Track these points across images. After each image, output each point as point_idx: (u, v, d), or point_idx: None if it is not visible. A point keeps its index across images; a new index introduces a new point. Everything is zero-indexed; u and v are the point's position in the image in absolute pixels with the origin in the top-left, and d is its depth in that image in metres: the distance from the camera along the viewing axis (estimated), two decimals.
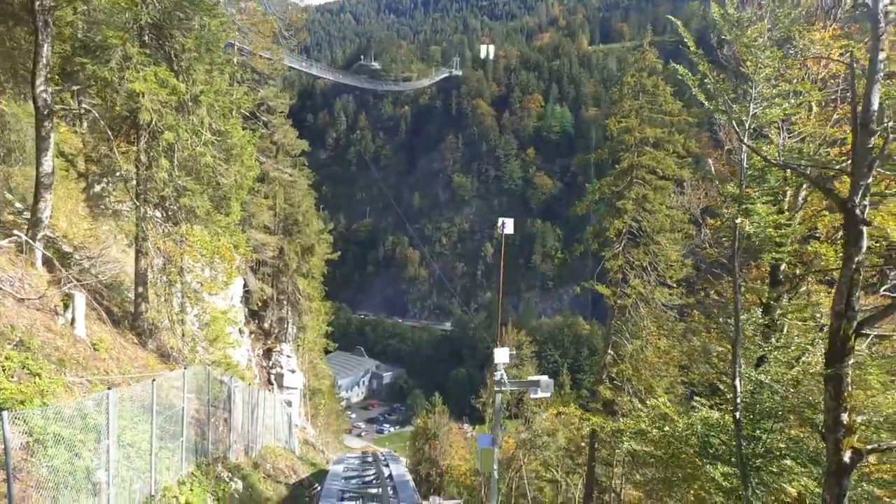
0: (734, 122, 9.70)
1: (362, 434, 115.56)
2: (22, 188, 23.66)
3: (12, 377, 9.54)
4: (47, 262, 17.33)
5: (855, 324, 8.33)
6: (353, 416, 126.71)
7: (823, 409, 8.64)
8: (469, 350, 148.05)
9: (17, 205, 22.37)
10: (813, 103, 11.81)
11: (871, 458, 9.20)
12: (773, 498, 9.91)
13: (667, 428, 12.10)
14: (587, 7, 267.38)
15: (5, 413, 6.42)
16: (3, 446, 6.55)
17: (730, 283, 14.47)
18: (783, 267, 12.94)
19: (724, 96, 10.19)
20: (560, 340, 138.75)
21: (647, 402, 15.31)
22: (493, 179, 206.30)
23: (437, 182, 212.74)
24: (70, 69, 18.51)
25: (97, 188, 25.91)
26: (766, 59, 10.32)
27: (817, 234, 12.19)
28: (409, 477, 21.37)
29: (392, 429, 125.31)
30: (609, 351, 24.32)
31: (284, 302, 43.64)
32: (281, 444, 25.34)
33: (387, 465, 23.34)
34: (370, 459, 26.74)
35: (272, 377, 41.32)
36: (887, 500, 9.14)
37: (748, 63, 10.29)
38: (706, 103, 10.50)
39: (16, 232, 15.44)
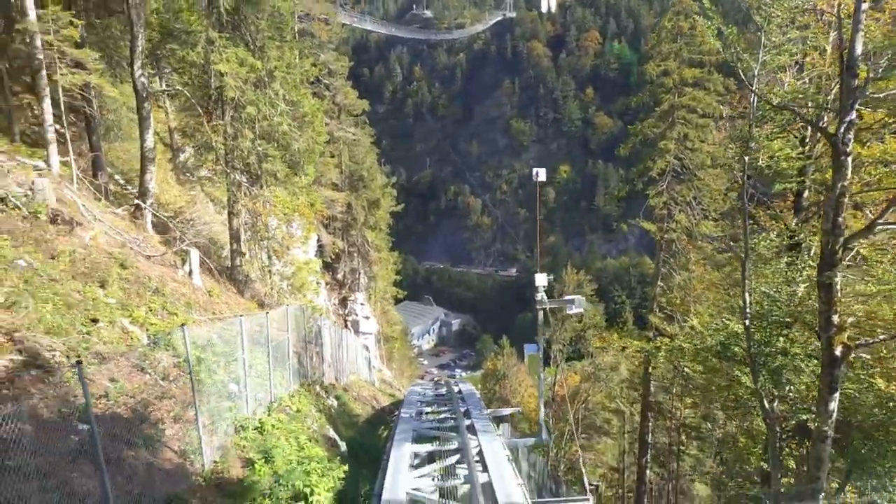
0: (743, 71, 11.09)
1: (434, 379, 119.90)
2: (119, 162, 26.61)
3: (157, 315, 12.11)
4: (156, 226, 20.14)
5: (841, 240, 9.86)
6: (425, 362, 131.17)
7: (818, 311, 10.27)
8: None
9: (118, 177, 25.32)
10: (827, 45, 12.89)
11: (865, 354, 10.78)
12: (787, 389, 11.66)
13: (696, 342, 13.83)
14: None
15: (185, 327, 8.85)
16: (186, 352, 8.93)
17: (764, 212, 15.89)
18: (805, 194, 14.22)
19: (736, 47, 11.54)
20: (626, 280, 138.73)
21: (679, 322, 16.96)
22: (551, 123, 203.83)
23: (495, 128, 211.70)
24: (160, 53, 20.95)
25: (181, 157, 28.81)
26: (775, 8, 11.58)
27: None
28: (475, 390, 23.61)
29: (463, 373, 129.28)
30: (659, 282, 25.88)
31: (355, 254, 46.44)
32: (363, 378, 28.29)
33: (456, 385, 25.99)
34: (442, 382, 29.39)
35: (348, 324, 44.41)
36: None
37: (758, 15, 11.58)
38: (723, 52, 11.88)
39: (136, 201, 18.06)
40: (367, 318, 47.19)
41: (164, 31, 19.48)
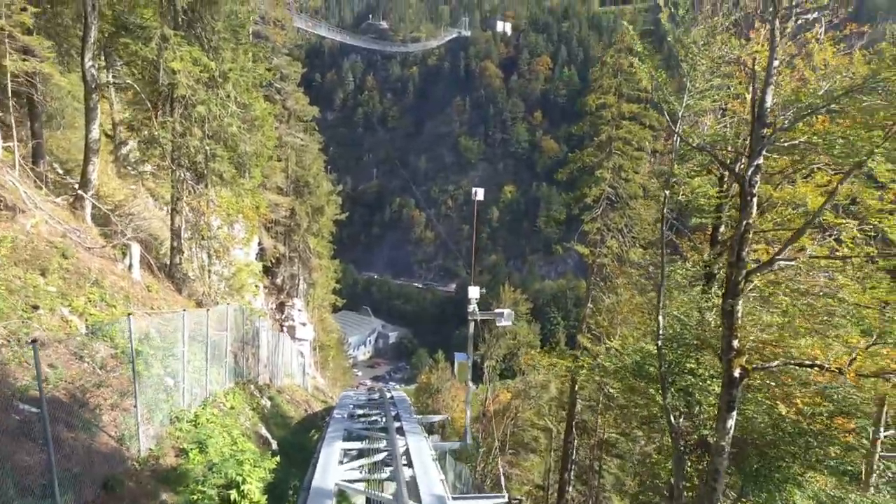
0: (668, 113, 12.11)
1: (368, 387, 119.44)
2: (59, 151, 26.17)
3: (95, 307, 12.24)
4: (95, 218, 20.01)
5: (744, 272, 10.90)
6: (360, 374, 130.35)
7: (721, 337, 11.27)
8: (486, 323, 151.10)
9: (57, 167, 24.90)
10: (747, 94, 14.10)
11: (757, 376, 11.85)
12: (695, 408, 12.70)
13: (616, 361, 14.79)
14: None
15: (130, 316, 9.11)
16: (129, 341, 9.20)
17: (686, 243, 17.05)
18: (721, 229, 15.40)
19: (664, 89, 12.57)
20: (563, 302, 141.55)
21: (606, 343, 17.97)
22: (499, 143, 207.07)
23: (444, 144, 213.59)
24: (111, 46, 20.87)
25: (123, 150, 28.46)
26: (700, 57, 12.69)
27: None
28: (406, 396, 24.24)
29: (397, 386, 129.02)
30: (589, 304, 27.05)
31: (296, 259, 46.38)
32: (297, 383, 28.41)
33: (388, 391, 26.61)
34: (376, 388, 29.87)
35: (285, 329, 44.23)
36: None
37: (685, 62, 12.66)
38: (652, 94, 12.90)
39: (78, 191, 17.96)
40: (304, 324, 47.08)
41: (117, 24, 19.45)
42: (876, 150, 9.40)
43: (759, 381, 12.43)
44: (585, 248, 26.11)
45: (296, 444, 16.38)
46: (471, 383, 24.35)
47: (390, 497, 10.79)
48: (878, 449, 15.36)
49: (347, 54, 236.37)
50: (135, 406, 9.30)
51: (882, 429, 15.43)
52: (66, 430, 7.78)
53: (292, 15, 41.76)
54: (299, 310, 47.39)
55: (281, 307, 45.99)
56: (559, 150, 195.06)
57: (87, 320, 11.38)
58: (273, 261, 42.16)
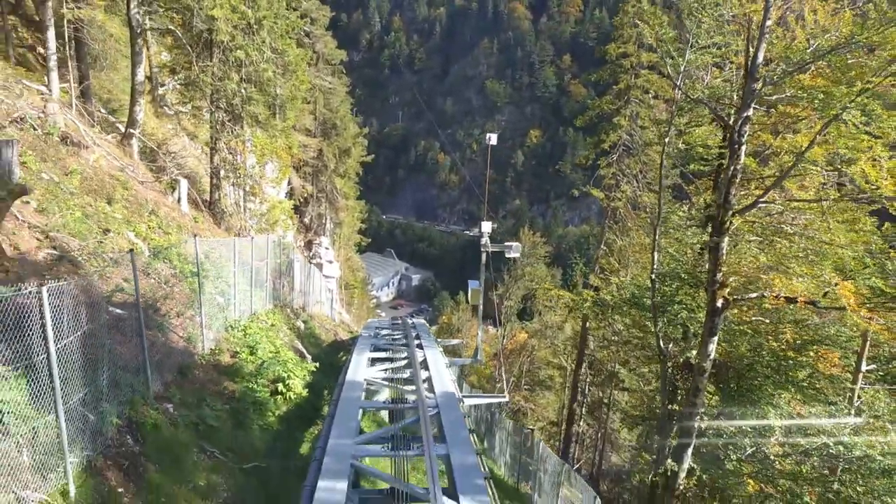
0: (671, 67, 13.17)
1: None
2: (103, 91, 27.64)
3: (154, 232, 13.89)
4: (142, 154, 21.62)
5: (730, 213, 12.14)
6: (383, 314, 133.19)
7: (707, 270, 12.61)
8: (496, 255, 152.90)
9: (100, 108, 26.43)
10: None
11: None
12: (681, 332, 14.20)
13: (616, 295, 16.23)
14: None
15: (197, 238, 10.73)
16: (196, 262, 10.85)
17: (693, 188, 18.18)
18: (722, 175, 16.48)
19: (668, 46, 13.58)
20: (585, 248, 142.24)
21: (611, 279, 19.40)
22: (526, 86, 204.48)
23: (471, 87, 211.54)
24: None
25: (160, 90, 29.88)
26: (704, 16, 13.63)
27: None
28: (425, 323, 26.18)
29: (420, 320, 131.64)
30: (602, 246, 28.37)
31: (323, 199, 48.02)
32: (325, 313, 30.43)
33: (410, 318, 28.56)
34: (398, 318, 32.07)
35: (313, 266, 46.23)
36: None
37: (689, 20, 13.61)
38: (657, 50, 13.94)
39: (128, 129, 19.48)
40: (331, 262, 49.00)
41: None
42: (849, 104, 10.48)
43: (737, 313, 13.83)
44: (601, 193, 27.24)
45: (327, 361, 18.18)
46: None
47: (411, 389, 12.61)
48: (860, 381, 16.85)
49: None
50: (199, 313, 11.07)
51: (864, 363, 16.86)
52: (147, 330, 9.42)
53: None
54: (326, 248, 49.28)
55: (309, 245, 47.87)
56: (587, 94, 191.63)
57: (149, 244, 13.04)
58: (301, 200, 43.82)
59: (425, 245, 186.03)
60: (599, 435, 37.17)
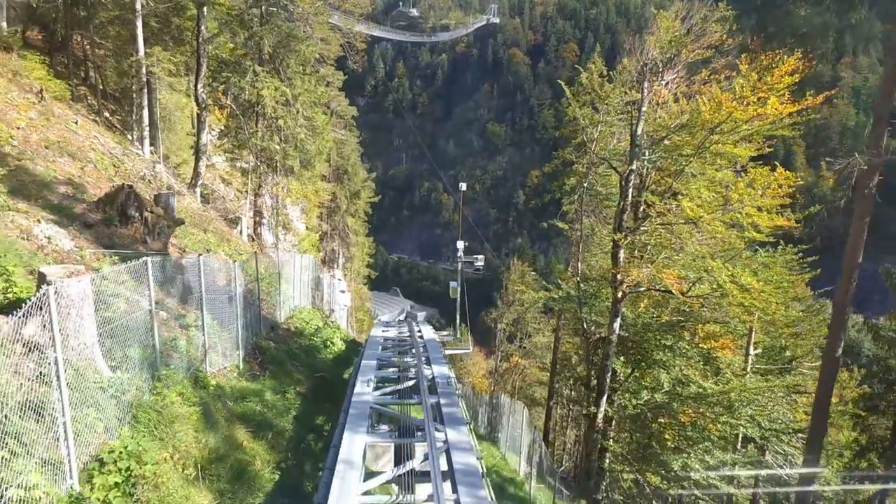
0: (586, 136, 19.41)
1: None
2: (165, 149, 34.11)
3: (231, 253, 20.02)
4: (203, 198, 27.88)
5: (623, 233, 18.20)
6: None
7: (611, 273, 18.63)
8: (490, 285, 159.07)
9: (160, 166, 32.81)
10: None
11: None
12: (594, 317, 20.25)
13: (558, 292, 22.33)
14: None
15: (276, 253, 16.88)
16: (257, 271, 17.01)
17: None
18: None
19: (584, 122, 19.89)
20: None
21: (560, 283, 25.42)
22: (526, 129, 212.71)
23: (472, 130, 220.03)
24: (216, 79, 28.59)
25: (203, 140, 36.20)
26: (609, 103, 19.98)
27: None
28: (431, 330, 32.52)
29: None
30: (569, 268, 34.44)
31: (336, 236, 54.35)
32: (343, 324, 36.66)
33: (413, 318, 34.96)
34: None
35: (335, 282, 52.27)
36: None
37: (601, 104, 19.94)
38: (581, 119, 20.25)
39: (195, 180, 25.79)
40: (343, 292, 54.99)
41: (221, 62, 27.16)
42: (686, 167, 16.66)
43: (646, 303, 19.82)
44: (565, 224, 33.35)
45: (349, 344, 24.25)
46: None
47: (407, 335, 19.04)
48: (749, 363, 22.97)
49: (378, 41, 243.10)
50: (279, 298, 17.25)
51: (752, 347, 23.03)
52: (248, 304, 15.45)
53: (331, 12, 49.18)
54: (339, 279, 55.35)
55: None
56: None
57: (233, 259, 19.08)
58: (318, 236, 50.12)
59: (430, 283, 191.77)
60: (570, 424, 42.58)
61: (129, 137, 27.00)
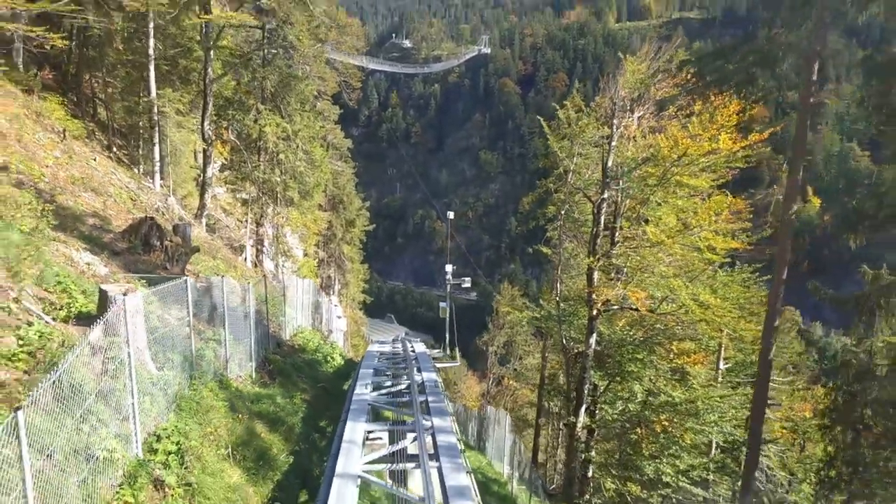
0: (563, 167, 21.31)
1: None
2: (172, 182, 35.91)
3: (238, 280, 21.71)
4: (208, 227, 29.61)
5: (597, 256, 20.01)
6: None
7: (587, 292, 20.39)
8: (481, 310, 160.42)
9: (172, 198, 34.60)
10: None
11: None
12: (574, 334, 21.91)
13: (540, 312, 24.01)
14: None
15: (282, 278, 18.61)
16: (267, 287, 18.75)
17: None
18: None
19: (561, 154, 21.82)
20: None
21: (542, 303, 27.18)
22: (517, 156, 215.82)
23: (465, 158, 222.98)
24: (220, 115, 30.52)
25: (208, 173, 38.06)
26: (584, 137, 21.94)
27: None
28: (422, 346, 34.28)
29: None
30: (553, 290, 36.19)
31: (332, 263, 56.08)
32: (341, 344, 38.33)
33: (408, 339, 36.72)
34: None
35: (333, 306, 53.81)
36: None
37: (577, 139, 21.89)
38: (559, 152, 22.19)
39: (200, 210, 27.56)
40: (339, 317, 56.53)
41: (226, 101, 29.11)
42: (651, 196, 18.53)
43: (623, 321, 21.56)
44: (548, 249, 35.20)
45: (349, 365, 25.89)
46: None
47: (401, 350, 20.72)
48: (720, 376, 24.58)
49: (372, 73, 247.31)
50: (284, 317, 18.89)
51: (722, 362, 24.70)
52: (262, 321, 17.11)
53: (326, 48, 51.47)
54: (335, 305, 56.93)
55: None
56: None
57: (247, 282, 20.77)
58: (315, 263, 51.81)
59: (424, 310, 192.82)
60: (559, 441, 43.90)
61: (136, 171, 28.80)
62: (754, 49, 13.73)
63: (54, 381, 5.79)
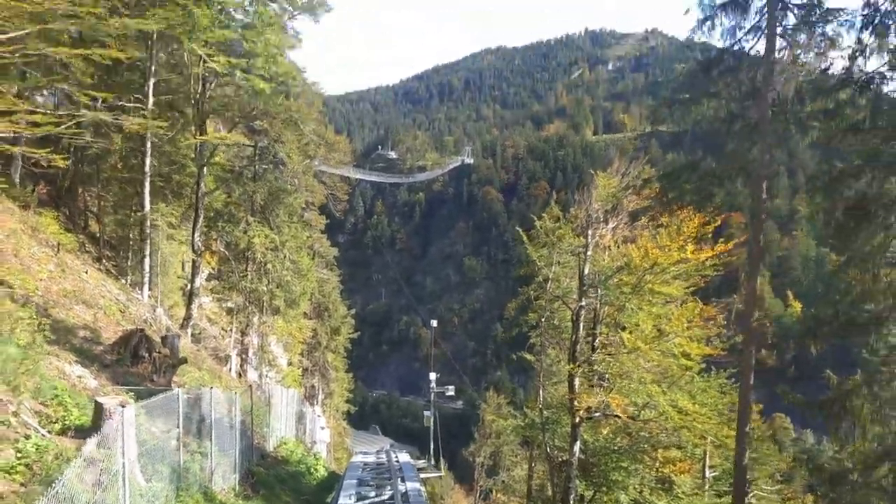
0: (541, 276, 22.13)
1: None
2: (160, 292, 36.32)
3: (224, 387, 21.81)
4: (193, 336, 29.80)
5: (577, 363, 20.46)
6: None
7: (569, 399, 20.67)
8: (468, 419, 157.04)
9: (160, 309, 34.96)
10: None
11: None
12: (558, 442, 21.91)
13: (524, 420, 24.04)
14: (594, 97, 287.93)
15: (267, 389, 18.81)
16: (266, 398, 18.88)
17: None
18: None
19: (539, 264, 22.72)
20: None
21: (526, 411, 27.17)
22: (501, 262, 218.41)
23: (449, 265, 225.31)
24: (209, 226, 31.44)
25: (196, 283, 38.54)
26: (562, 247, 22.94)
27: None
28: (407, 456, 33.44)
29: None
30: (538, 396, 36.20)
31: (316, 372, 55.70)
32: (324, 456, 37.66)
33: (393, 450, 35.96)
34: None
35: (317, 417, 52.79)
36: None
37: (555, 249, 22.87)
38: (538, 261, 23.08)
39: (186, 321, 27.88)
40: (323, 428, 55.51)
41: (216, 213, 30.11)
42: (627, 303, 19.27)
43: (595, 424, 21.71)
44: (531, 356, 35.52)
45: (332, 477, 25.46)
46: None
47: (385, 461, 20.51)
48: (706, 484, 24.56)
49: (359, 182, 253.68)
50: (268, 429, 18.89)
51: (708, 470, 24.75)
52: (248, 433, 17.14)
53: (315, 163, 53.41)
54: (319, 415, 56.02)
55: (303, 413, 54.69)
56: None
57: (235, 392, 20.86)
58: (300, 372, 51.46)
59: (410, 420, 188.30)
60: None
61: (125, 282, 29.30)
62: (707, 172, 14.93)
63: (55, 493, 6.10)
